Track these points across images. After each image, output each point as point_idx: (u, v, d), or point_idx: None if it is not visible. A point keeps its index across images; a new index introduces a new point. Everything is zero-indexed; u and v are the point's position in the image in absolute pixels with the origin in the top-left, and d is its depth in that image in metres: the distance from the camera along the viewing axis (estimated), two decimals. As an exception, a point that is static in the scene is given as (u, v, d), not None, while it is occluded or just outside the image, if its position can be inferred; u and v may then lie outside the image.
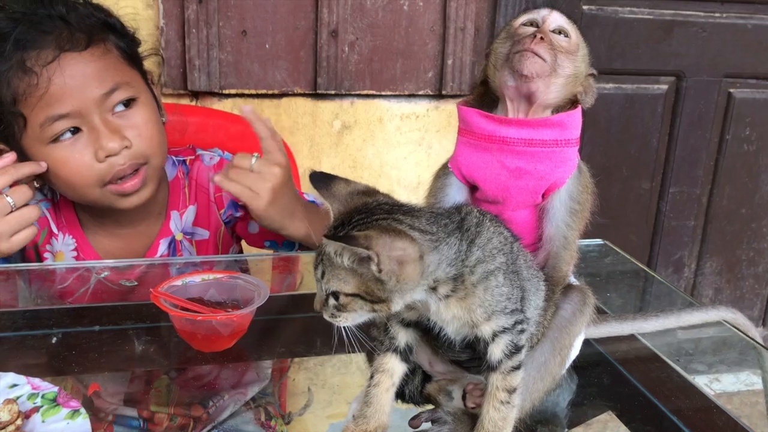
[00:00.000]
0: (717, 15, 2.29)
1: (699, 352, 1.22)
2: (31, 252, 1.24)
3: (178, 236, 1.30)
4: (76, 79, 1.07)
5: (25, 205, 1.09)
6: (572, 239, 0.87)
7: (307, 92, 1.91)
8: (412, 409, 0.88)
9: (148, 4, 1.77)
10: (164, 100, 1.32)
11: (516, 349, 0.76)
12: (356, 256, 0.67)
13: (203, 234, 1.32)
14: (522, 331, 0.76)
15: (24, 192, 1.08)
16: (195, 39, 1.77)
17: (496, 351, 0.75)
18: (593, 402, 1.00)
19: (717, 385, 1.02)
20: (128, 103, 1.13)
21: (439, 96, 2.00)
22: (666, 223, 2.47)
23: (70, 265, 1.22)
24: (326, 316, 0.73)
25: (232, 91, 1.86)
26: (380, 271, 0.67)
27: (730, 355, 1.23)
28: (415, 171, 2.06)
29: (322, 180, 0.76)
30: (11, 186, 1.09)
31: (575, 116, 0.88)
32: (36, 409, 0.80)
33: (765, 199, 2.54)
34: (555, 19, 0.85)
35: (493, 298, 0.73)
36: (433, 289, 0.71)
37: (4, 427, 0.77)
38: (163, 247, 1.28)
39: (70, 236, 1.25)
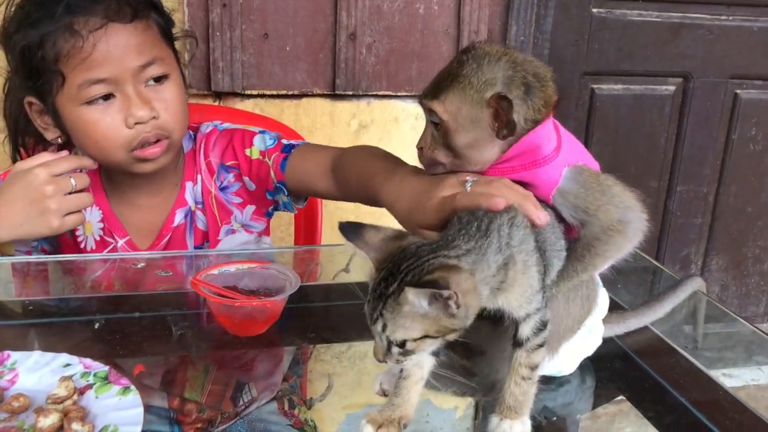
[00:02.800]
0: (723, 17, 2.35)
1: (704, 347, 1.27)
2: None
3: (193, 206, 1.36)
4: (118, 48, 1.14)
5: (82, 191, 1.18)
6: (603, 226, 0.87)
7: (325, 93, 1.97)
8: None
9: (174, 8, 1.82)
10: (189, 101, 1.37)
11: (543, 325, 0.80)
12: (435, 300, 0.69)
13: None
14: (546, 303, 0.81)
15: (84, 179, 1.18)
16: (219, 42, 1.84)
17: (525, 329, 0.80)
18: (606, 387, 1.03)
19: (726, 380, 1.07)
20: (160, 79, 1.20)
21: (453, 96, 2.06)
22: (673, 221, 2.53)
23: (110, 257, 1.29)
24: (391, 363, 0.76)
25: (254, 92, 1.93)
26: (459, 306, 0.70)
27: (736, 350, 1.29)
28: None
29: (352, 230, 0.78)
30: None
31: (537, 134, 0.86)
32: (89, 387, 0.86)
33: (771, 198, 2.59)
34: (426, 108, 0.87)
35: (528, 283, 0.78)
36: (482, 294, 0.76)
37: (62, 402, 0.83)
38: (179, 217, 1.34)
39: (97, 208, 1.32)
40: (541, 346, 0.81)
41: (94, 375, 0.88)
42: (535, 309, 0.79)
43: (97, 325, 1.08)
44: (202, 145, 1.37)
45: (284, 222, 1.97)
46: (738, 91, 2.44)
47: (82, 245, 1.33)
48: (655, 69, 2.35)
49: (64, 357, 0.91)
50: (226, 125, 1.41)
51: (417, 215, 0.88)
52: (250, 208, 1.38)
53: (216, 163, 1.36)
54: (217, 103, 1.91)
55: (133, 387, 0.86)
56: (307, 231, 1.68)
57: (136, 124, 1.17)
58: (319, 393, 1.05)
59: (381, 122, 2.06)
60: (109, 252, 1.33)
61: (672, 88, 2.39)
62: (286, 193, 1.32)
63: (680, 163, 2.46)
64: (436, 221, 0.84)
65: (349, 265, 1.36)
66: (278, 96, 1.95)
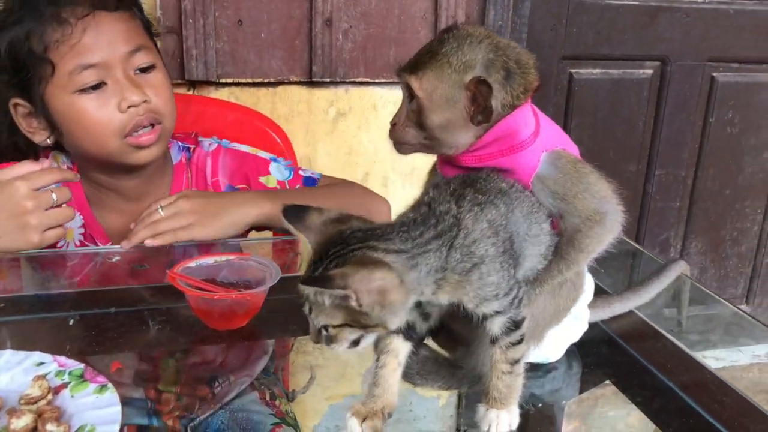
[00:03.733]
0: (700, 0, 2.34)
1: (687, 330, 1.27)
2: None
3: None
4: (106, 34, 1.17)
5: (63, 205, 1.16)
6: (578, 216, 0.87)
7: (302, 80, 1.94)
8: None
9: (145, -6, 1.79)
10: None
11: (514, 325, 0.78)
12: (334, 296, 0.68)
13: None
14: (519, 304, 0.78)
15: (65, 193, 1.16)
16: (192, 29, 1.80)
17: (493, 328, 0.78)
18: (592, 372, 1.03)
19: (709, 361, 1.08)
20: (146, 69, 1.22)
21: (431, 82, 2.04)
22: (652, 205, 2.53)
23: (82, 251, 1.26)
24: (325, 346, 0.75)
25: (229, 80, 1.89)
26: (360, 305, 0.68)
27: (717, 332, 1.29)
28: (410, 157, 2.08)
29: (294, 214, 0.77)
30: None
31: (514, 118, 0.85)
32: (64, 385, 0.84)
33: (748, 180, 2.60)
34: (403, 82, 0.85)
35: (481, 288, 0.75)
36: (420, 293, 0.74)
37: (35, 402, 0.80)
38: None
39: (78, 214, 1.29)
40: (517, 343, 0.79)
41: (69, 373, 0.86)
42: (499, 309, 0.76)
43: (71, 322, 1.04)
44: (208, 163, 1.38)
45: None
46: (715, 74, 2.44)
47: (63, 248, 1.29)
48: (633, 53, 2.34)
49: (37, 355, 0.89)
50: (227, 143, 1.42)
51: None
52: None
53: (224, 183, 1.38)
54: (191, 92, 1.87)
55: (110, 385, 0.83)
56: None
57: (129, 107, 1.18)
58: (301, 385, 1.03)
59: (359, 110, 2.03)
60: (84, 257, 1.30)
61: (650, 71, 2.38)
62: None
63: (658, 147, 2.46)
64: None
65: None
66: (254, 84, 1.92)
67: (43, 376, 0.84)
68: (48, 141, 1.24)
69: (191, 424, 0.86)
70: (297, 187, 1.39)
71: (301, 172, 1.40)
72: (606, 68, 2.31)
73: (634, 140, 2.42)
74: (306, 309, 0.73)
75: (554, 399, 0.98)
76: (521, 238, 0.81)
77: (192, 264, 1.03)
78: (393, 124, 0.89)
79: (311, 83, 1.96)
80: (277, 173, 1.38)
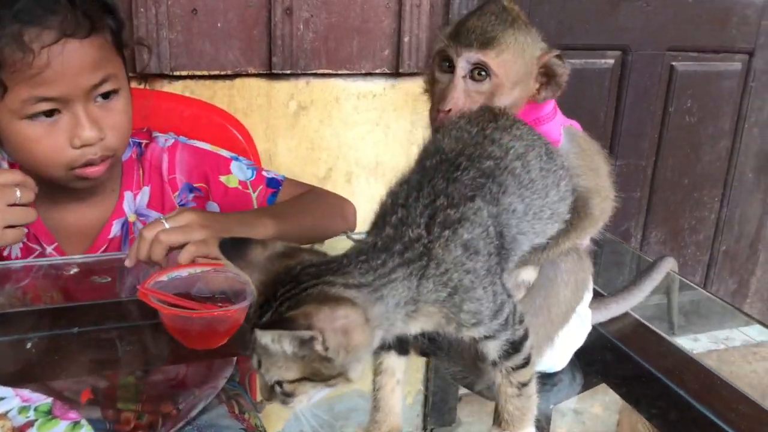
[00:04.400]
0: (660, -11, 2.34)
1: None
2: None
3: (131, 218, 1.26)
4: (72, 68, 1.04)
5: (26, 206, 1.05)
6: (589, 191, 0.84)
7: (261, 72, 1.84)
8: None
9: (91, -19, 1.66)
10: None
11: (513, 348, 0.70)
12: (297, 340, 0.59)
13: (157, 217, 1.27)
14: (515, 322, 0.70)
15: (30, 194, 1.04)
16: (143, 18, 1.68)
17: (488, 351, 0.70)
18: (586, 372, 0.99)
19: (695, 344, 1.08)
20: (109, 94, 1.11)
21: (396, 74, 1.97)
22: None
23: (36, 263, 1.15)
24: (279, 404, 0.64)
25: (183, 73, 1.78)
26: (326, 349, 0.59)
27: (706, 318, 1.29)
28: (374, 151, 2.02)
29: (234, 248, 0.67)
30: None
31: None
32: (30, 424, 0.75)
33: (706, 169, 2.62)
34: (468, 60, 0.79)
35: (460, 315, 0.66)
36: (388, 328, 0.65)
37: (-2, 446, 0.71)
38: (116, 228, 1.24)
39: None
40: (522, 366, 0.71)
41: (35, 409, 0.77)
42: (487, 334, 0.68)
43: (29, 345, 0.94)
44: (165, 159, 1.28)
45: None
46: (674, 63, 2.44)
47: (5, 252, 1.19)
48: (595, 42, 2.32)
49: (-4, 389, 0.78)
50: (185, 139, 1.33)
51: None
52: None
53: (181, 180, 1.29)
54: (142, 86, 1.75)
55: (84, 421, 0.75)
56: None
57: (82, 146, 1.08)
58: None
59: (321, 103, 1.94)
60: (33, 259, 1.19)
61: (611, 61, 2.36)
62: None
63: (619, 137, 2.45)
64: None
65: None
66: (210, 77, 1.81)
67: (5, 415, 0.74)
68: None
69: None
70: (264, 189, 1.31)
71: (264, 173, 1.33)
72: (568, 58, 2.26)
73: (595, 131, 2.35)
74: (254, 362, 0.62)
75: (548, 402, 0.94)
76: (518, 220, 0.72)
77: (164, 277, 0.95)
78: (446, 110, 0.81)
79: (271, 75, 1.86)
80: (239, 173, 1.30)
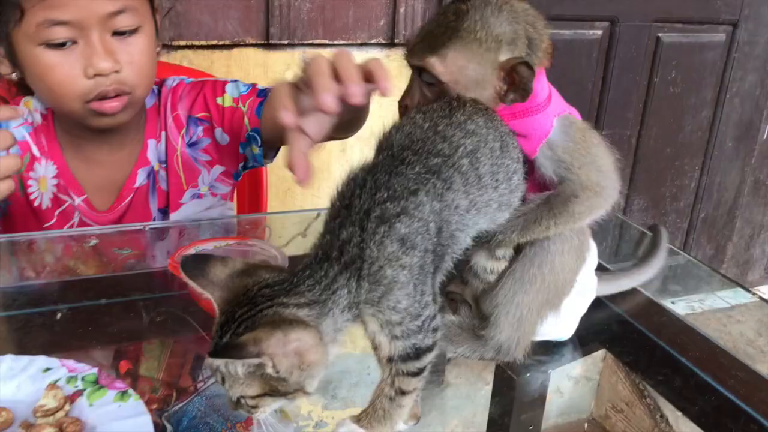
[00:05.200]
0: (648, -39, 2.37)
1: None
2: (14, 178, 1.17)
3: (156, 166, 1.26)
4: None
5: (7, 153, 1.00)
6: (579, 183, 0.83)
7: (258, 42, 1.85)
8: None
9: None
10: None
11: (415, 354, 0.69)
12: (248, 365, 0.61)
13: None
14: (429, 331, 0.69)
15: (7, 137, 0.96)
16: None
17: (392, 349, 0.69)
18: (586, 338, 1.02)
19: (672, 306, 1.13)
20: (128, 32, 1.10)
21: (391, 44, 1.99)
22: (599, 165, 2.57)
23: (58, 234, 1.16)
24: (245, 413, 0.67)
25: (182, 43, 1.79)
26: (278, 372, 0.61)
27: (684, 282, 1.34)
28: (367, 122, 2.04)
29: (195, 266, 0.68)
30: None
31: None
32: (79, 393, 0.77)
33: (687, 138, 2.68)
34: (414, 70, 0.79)
35: (390, 314, 0.67)
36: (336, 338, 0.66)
37: (52, 414, 0.74)
38: (141, 177, 1.25)
39: (51, 162, 1.20)
40: (412, 375, 0.69)
41: (83, 379, 0.79)
42: (403, 333, 0.68)
43: (58, 316, 0.97)
44: (168, 100, 1.26)
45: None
46: (660, 35, 2.48)
47: (36, 203, 1.20)
48: (584, 14, 2.35)
49: (43, 360, 0.81)
50: (189, 79, 1.31)
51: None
52: (218, 169, 1.29)
53: (184, 115, 1.26)
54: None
55: (131, 391, 0.77)
56: (251, 201, 1.59)
57: (95, 75, 1.07)
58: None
59: (317, 73, 1.96)
60: (62, 212, 1.21)
61: (599, 32, 2.40)
62: (259, 143, 1.22)
63: (606, 108, 2.49)
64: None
65: (307, 230, 1.30)
66: (208, 47, 1.82)
67: (55, 384, 0.77)
68: (13, 76, 1.13)
69: (166, 414, 0.80)
70: (253, 100, 1.25)
71: (258, 87, 1.28)
72: (558, 29, 2.31)
73: (583, 101, 2.44)
74: (218, 378, 0.64)
75: (546, 367, 0.98)
76: (460, 216, 0.73)
77: (192, 250, 0.97)
78: (404, 106, 0.82)
79: (268, 45, 1.88)
80: (233, 91, 1.27)
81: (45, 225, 1.20)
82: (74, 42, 1.06)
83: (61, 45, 1.06)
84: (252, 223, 1.38)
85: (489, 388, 1.04)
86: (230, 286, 0.66)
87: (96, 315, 0.96)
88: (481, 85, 0.78)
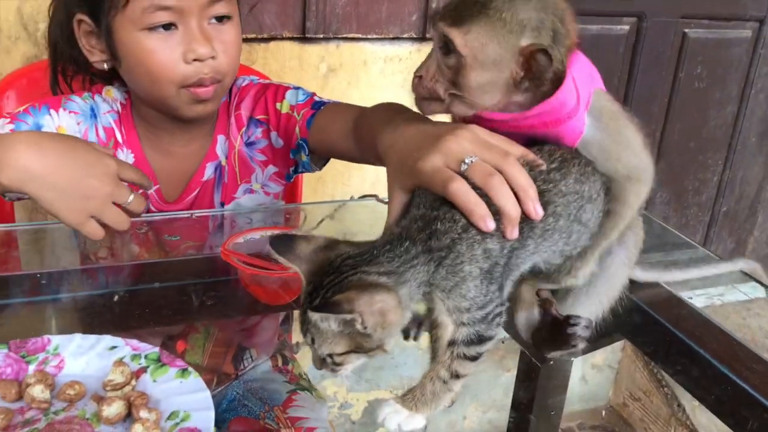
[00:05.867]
0: (677, -42, 2.39)
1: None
2: None
3: (223, 161, 1.32)
4: None
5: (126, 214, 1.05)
6: (622, 176, 0.85)
7: (295, 36, 1.91)
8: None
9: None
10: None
11: (479, 339, 0.76)
12: (342, 320, 0.69)
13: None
14: (492, 321, 0.77)
15: (141, 203, 1.05)
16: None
17: (457, 335, 0.76)
18: (608, 328, 1.03)
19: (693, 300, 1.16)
20: (222, 18, 1.15)
21: (422, 38, 2.04)
22: (623, 158, 2.61)
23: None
24: (329, 371, 0.76)
25: (222, 36, 1.85)
26: (365, 328, 0.69)
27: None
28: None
29: (282, 244, 0.76)
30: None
31: (562, 93, 0.79)
32: (143, 370, 0.85)
33: (711, 133, 2.71)
34: (438, 33, 0.79)
35: (458, 302, 0.75)
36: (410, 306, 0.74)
37: (120, 388, 0.81)
38: (209, 170, 1.30)
39: (130, 151, 1.26)
40: (471, 359, 0.77)
41: (146, 357, 0.86)
42: (466, 321, 0.76)
43: (116, 298, 1.04)
44: (236, 98, 1.32)
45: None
46: (686, 30, 2.50)
47: None
48: (612, 9, 2.38)
49: (109, 339, 0.89)
50: (257, 78, 1.37)
51: (402, 176, 0.81)
52: (272, 169, 1.35)
53: (246, 116, 1.31)
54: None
55: (191, 369, 0.84)
56: (288, 189, 1.66)
57: (194, 60, 1.12)
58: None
59: (350, 66, 2.01)
60: None
61: (626, 27, 2.43)
62: (307, 151, 1.28)
63: (631, 102, 2.52)
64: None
65: (334, 214, 1.37)
66: (247, 40, 1.87)
67: (122, 361, 0.85)
68: (104, 65, 1.18)
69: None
70: (307, 110, 1.30)
71: (316, 98, 1.34)
72: (586, 24, 2.34)
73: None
74: (308, 339, 0.73)
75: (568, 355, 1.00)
76: (528, 254, 0.80)
77: (240, 239, 1.04)
78: (419, 77, 0.82)
79: (303, 39, 1.93)
80: (291, 98, 1.32)
81: None
82: (174, 26, 1.11)
83: (164, 29, 1.10)
84: (289, 212, 1.45)
85: (509, 374, 1.08)
86: (314, 259, 0.74)
87: (152, 298, 1.03)
88: (498, 67, 0.78)
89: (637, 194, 0.86)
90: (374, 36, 1.99)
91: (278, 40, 1.91)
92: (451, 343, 0.76)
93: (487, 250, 0.74)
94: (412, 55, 2.06)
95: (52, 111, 1.19)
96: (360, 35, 1.98)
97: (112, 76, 1.24)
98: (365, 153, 1.16)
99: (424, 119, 0.88)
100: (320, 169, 1.34)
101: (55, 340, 0.87)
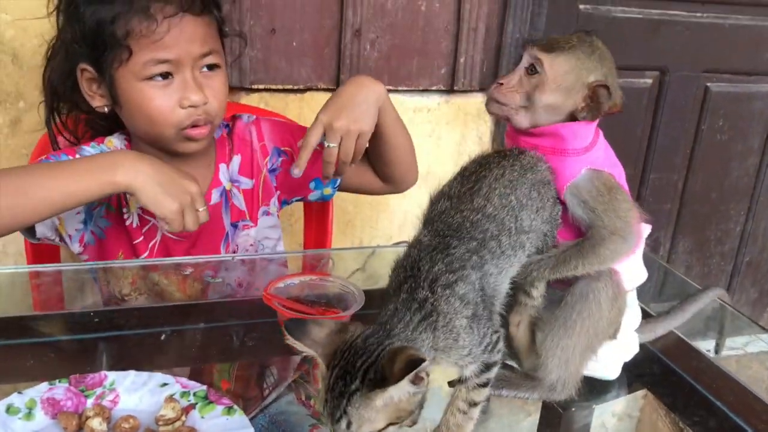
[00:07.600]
0: (698, 15, 2.46)
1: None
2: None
3: (228, 186, 1.45)
4: (187, 35, 1.25)
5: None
6: (605, 228, 0.95)
7: (330, 87, 2.00)
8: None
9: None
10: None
11: (486, 367, 0.85)
12: (418, 379, 0.73)
13: (247, 183, 1.48)
14: (493, 349, 0.85)
15: (208, 215, 1.23)
16: (227, 38, 1.84)
17: (467, 372, 0.85)
18: (629, 378, 1.11)
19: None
20: (212, 67, 1.31)
21: (450, 91, 2.12)
22: (645, 207, 2.64)
23: (158, 262, 1.32)
24: None
25: (260, 86, 1.94)
26: (426, 384, 0.75)
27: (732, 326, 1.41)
28: (426, 161, 2.16)
29: (297, 329, 0.80)
30: None
31: (571, 128, 0.97)
32: (192, 406, 0.91)
33: (733, 184, 2.75)
34: (530, 54, 0.96)
35: (458, 352, 0.82)
36: None
37: (172, 423, 0.88)
38: (215, 195, 1.43)
39: None
40: (483, 385, 0.86)
41: (194, 394, 0.92)
42: (473, 359, 0.84)
43: (163, 337, 1.11)
44: (253, 131, 1.48)
45: (295, 217, 2.01)
46: (709, 84, 2.56)
47: (128, 222, 1.36)
48: (635, 63, 2.45)
49: (159, 376, 0.95)
50: (262, 117, 1.54)
51: None
52: (277, 193, 1.51)
53: (271, 147, 1.48)
54: (224, 98, 1.92)
55: (236, 407, 0.90)
56: (318, 232, 1.74)
57: (189, 106, 1.27)
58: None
59: (381, 115, 2.10)
60: (148, 230, 1.37)
61: (649, 81, 2.50)
62: (336, 184, 1.48)
63: (654, 152, 2.58)
64: None
65: (365, 266, 1.43)
66: (283, 90, 1.97)
67: (172, 397, 0.91)
68: (105, 108, 1.32)
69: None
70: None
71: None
72: (610, 77, 2.42)
73: (632, 146, 2.54)
74: (343, 425, 0.74)
75: (590, 402, 1.08)
76: (494, 279, 0.89)
77: (281, 284, 1.11)
78: (500, 83, 0.99)
79: (337, 90, 2.02)
80: None
81: (134, 242, 1.37)
82: (170, 75, 1.26)
83: (162, 77, 1.25)
84: (316, 258, 1.53)
85: (531, 419, 1.12)
86: (330, 343, 0.79)
87: (196, 337, 1.10)
88: (569, 93, 0.96)
89: (614, 251, 0.96)
90: (404, 88, 2.08)
91: (313, 91, 2.00)
92: (462, 381, 0.85)
93: (463, 296, 0.82)
94: (440, 106, 2.15)
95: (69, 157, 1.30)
96: (391, 87, 2.06)
97: (108, 117, 1.37)
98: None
99: None
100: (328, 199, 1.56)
101: (111, 375, 0.94)
